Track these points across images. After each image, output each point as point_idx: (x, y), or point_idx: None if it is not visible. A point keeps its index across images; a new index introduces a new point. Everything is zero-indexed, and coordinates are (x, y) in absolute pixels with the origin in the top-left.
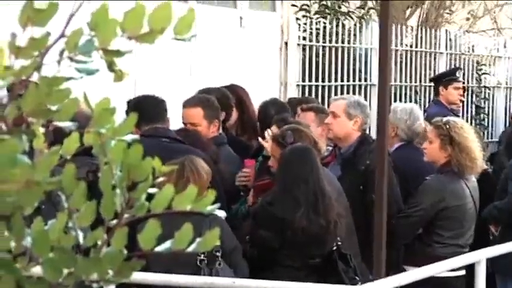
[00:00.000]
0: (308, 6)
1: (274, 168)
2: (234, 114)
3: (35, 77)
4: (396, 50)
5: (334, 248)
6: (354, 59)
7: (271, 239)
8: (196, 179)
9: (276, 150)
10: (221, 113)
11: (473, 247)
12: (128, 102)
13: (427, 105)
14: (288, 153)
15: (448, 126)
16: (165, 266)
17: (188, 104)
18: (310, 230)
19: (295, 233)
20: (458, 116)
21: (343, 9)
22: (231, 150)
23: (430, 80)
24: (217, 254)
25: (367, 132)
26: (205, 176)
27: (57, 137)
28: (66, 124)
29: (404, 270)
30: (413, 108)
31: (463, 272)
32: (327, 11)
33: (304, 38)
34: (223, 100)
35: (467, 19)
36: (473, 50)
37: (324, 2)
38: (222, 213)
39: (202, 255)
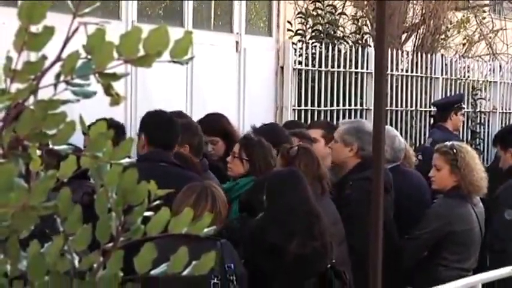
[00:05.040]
0: (303, 31)
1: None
2: (221, 147)
3: (31, 101)
4: (392, 75)
5: (329, 266)
6: (350, 84)
7: (268, 264)
8: (215, 205)
9: (280, 162)
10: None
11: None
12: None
13: (422, 130)
14: (276, 180)
15: (454, 151)
16: None
17: None
18: (305, 254)
19: (289, 258)
20: (461, 140)
21: (339, 33)
22: (214, 177)
23: (437, 106)
24: (231, 278)
25: None
26: (223, 204)
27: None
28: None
29: None
30: (388, 128)
31: None
32: (321, 35)
33: (300, 63)
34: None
35: (463, 44)
36: (468, 75)
37: (318, 27)
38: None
39: (216, 279)
